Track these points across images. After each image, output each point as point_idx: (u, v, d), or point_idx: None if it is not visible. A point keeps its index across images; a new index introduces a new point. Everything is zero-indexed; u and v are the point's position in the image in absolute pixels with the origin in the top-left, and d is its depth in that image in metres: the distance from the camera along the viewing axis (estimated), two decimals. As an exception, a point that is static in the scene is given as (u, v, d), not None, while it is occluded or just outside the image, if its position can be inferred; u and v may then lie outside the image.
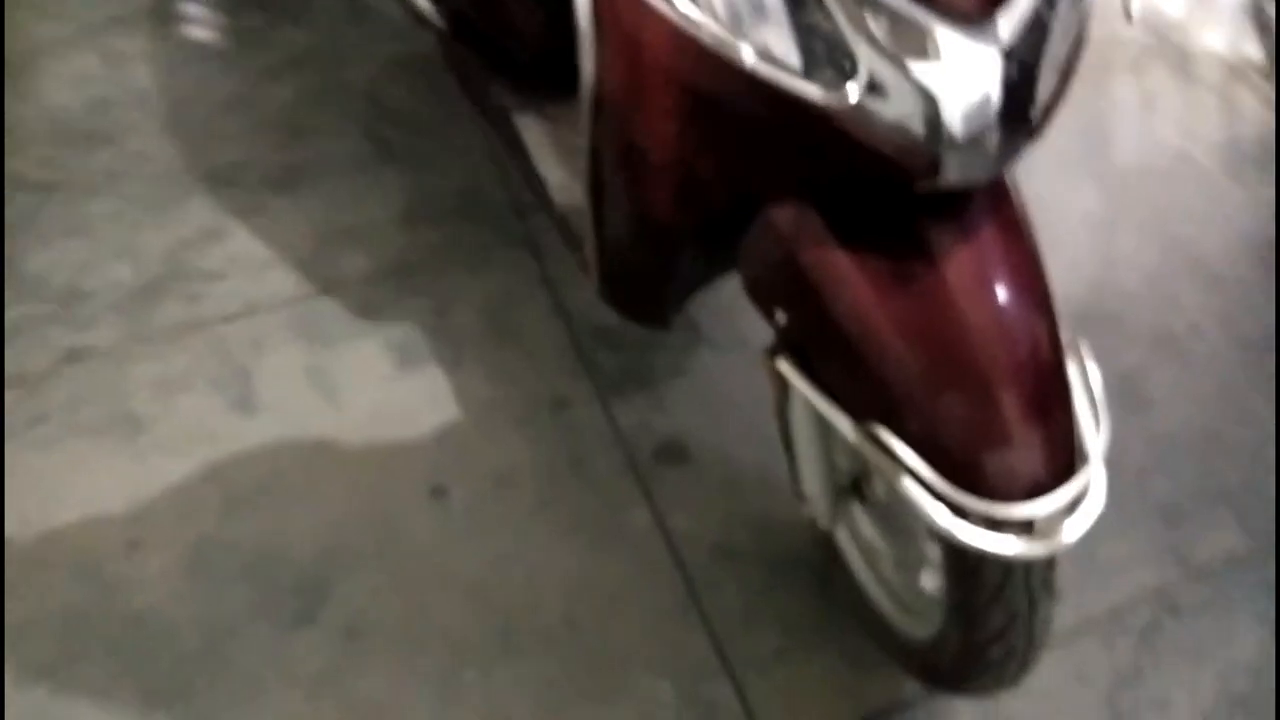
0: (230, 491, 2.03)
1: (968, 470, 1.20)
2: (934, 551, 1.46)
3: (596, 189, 1.54)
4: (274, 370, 2.19)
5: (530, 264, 2.37)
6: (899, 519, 1.59)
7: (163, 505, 2.00)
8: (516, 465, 2.07)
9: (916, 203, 1.22)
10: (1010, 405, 1.20)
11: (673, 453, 2.11)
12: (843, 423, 1.28)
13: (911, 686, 1.80)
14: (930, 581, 1.53)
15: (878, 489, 1.60)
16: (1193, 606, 1.92)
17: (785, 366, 1.35)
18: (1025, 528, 1.21)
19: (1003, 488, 1.19)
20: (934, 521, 1.21)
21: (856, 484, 1.63)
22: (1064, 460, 1.21)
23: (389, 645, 1.86)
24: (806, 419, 1.50)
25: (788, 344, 1.36)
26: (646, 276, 1.64)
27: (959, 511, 1.21)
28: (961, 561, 1.31)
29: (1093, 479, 1.21)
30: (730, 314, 2.30)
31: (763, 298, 1.39)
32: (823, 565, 1.91)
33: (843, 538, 1.76)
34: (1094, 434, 1.22)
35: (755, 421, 2.11)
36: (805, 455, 1.56)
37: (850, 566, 1.75)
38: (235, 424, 2.11)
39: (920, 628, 1.60)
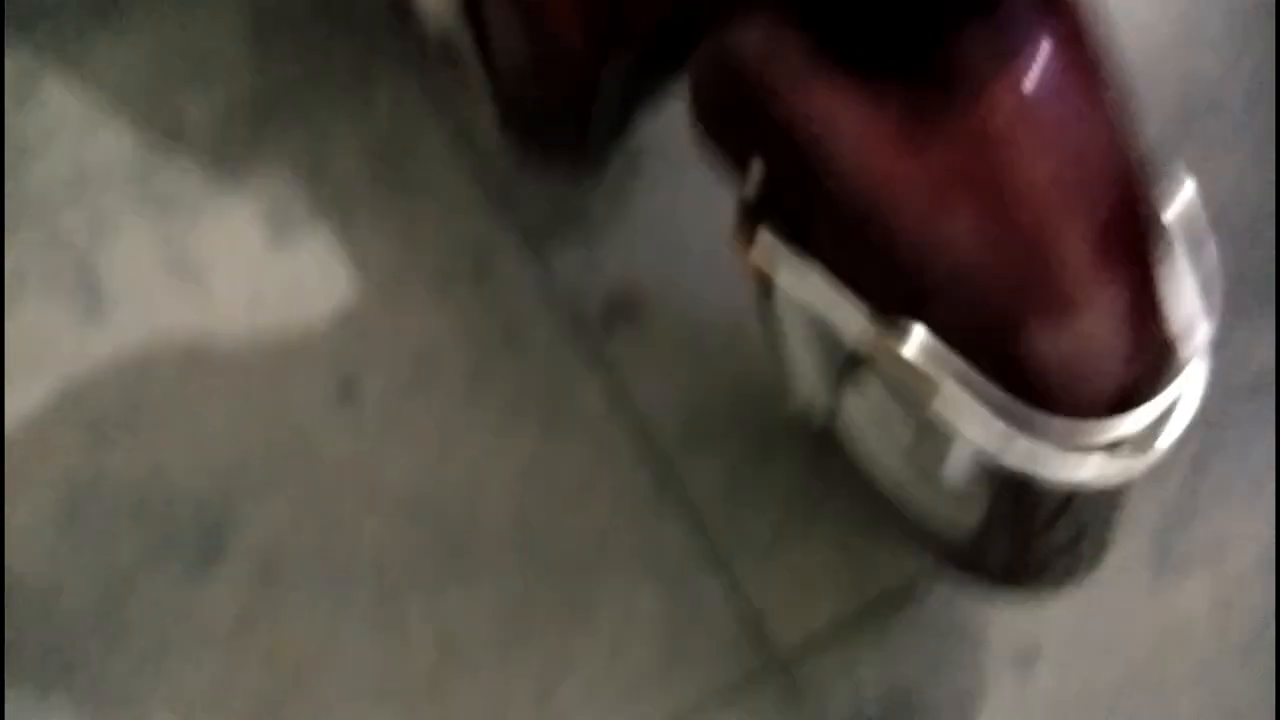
0: (95, 417, 1.67)
1: (1031, 376, 0.88)
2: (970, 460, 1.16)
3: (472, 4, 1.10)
4: (123, 258, 1.77)
5: (420, 87, 1.90)
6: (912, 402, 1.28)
7: (16, 446, 1.64)
8: (437, 344, 1.71)
9: (938, 8, 0.82)
10: (1087, 284, 0.86)
11: (624, 310, 1.75)
12: (852, 317, 0.94)
13: (931, 576, 1.55)
14: (958, 473, 1.23)
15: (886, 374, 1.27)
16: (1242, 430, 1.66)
17: (768, 241, 0.98)
18: (1107, 445, 0.89)
19: (1081, 398, 0.87)
20: (988, 447, 0.90)
21: (854, 361, 1.31)
22: (1158, 358, 0.88)
23: (312, 580, 1.58)
24: (797, 309, 1.15)
25: (766, 209, 0.99)
26: (555, 119, 1.23)
27: (1017, 428, 0.89)
28: (1016, 486, 1.00)
29: (1192, 377, 0.89)
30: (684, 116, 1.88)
31: (726, 145, 1.00)
32: (816, 443, 1.62)
33: (844, 427, 1.45)
34: (1197, 314, 0.89)
35: (720, 260, 1.76)
36: (796, 353, 1.23)
37: (854, 455, 1.45)
38: (86, 332, 1.72)
39: (950, 519, 1.32)
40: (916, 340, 0.90)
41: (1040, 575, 1.15)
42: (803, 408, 1.35)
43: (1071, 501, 1.03)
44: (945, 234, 0.86)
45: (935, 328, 0.89)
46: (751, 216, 1.01)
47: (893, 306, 0.91)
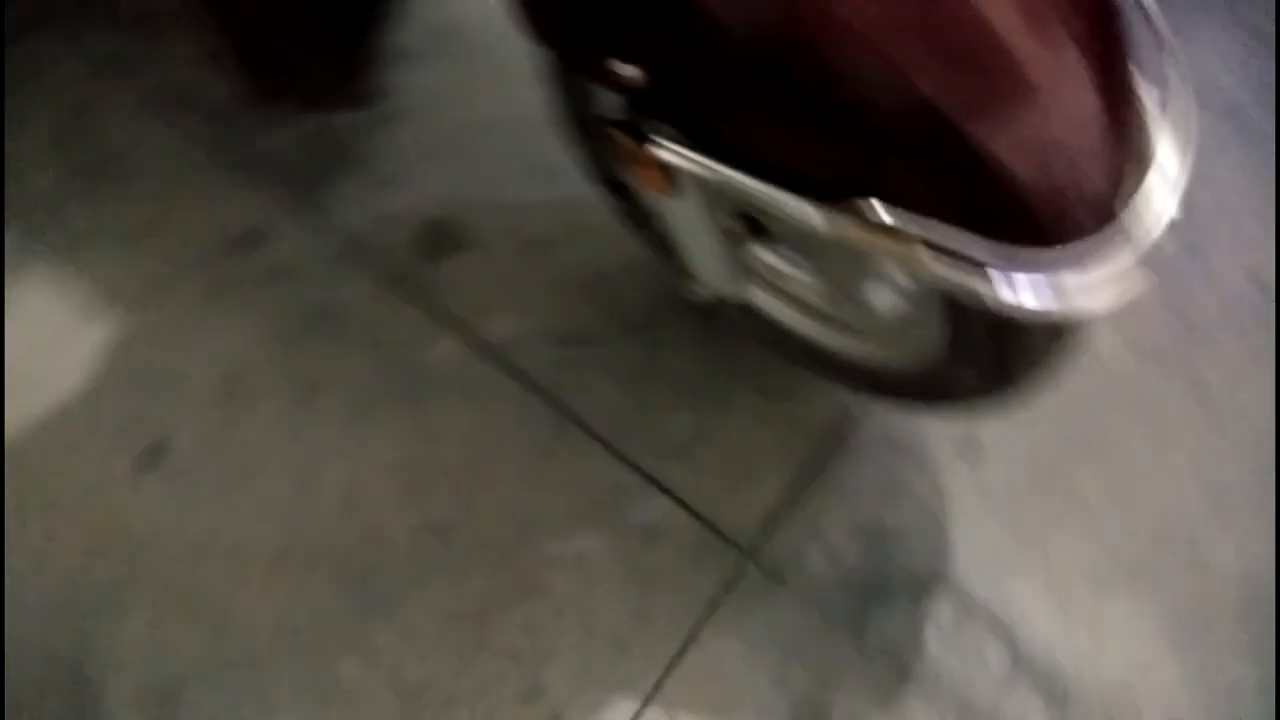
0: None
1: (1010, 197, 0.77)
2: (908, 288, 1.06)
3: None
4: None
5: (96, 38, 1.52)
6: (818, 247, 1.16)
7: None
8: (244, 358, 1.44)
9: None
10: (1043, 66, 0.75)
11: (443, 240, 1.52)
12: (810, 215, 0.79)
13: (853, 409, 1.49)
14: (883, 300, 1.14)
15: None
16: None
17: (672, 149, 0.81)
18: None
19: (1062, 225, 0.78)
20: (983, 296, 0.79)
21: (752, 224, 1.16)
22: (1131, 148, 0.79)
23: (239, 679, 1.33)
24: (694, 206, 0.99)
25: (654, 110, 0.81)
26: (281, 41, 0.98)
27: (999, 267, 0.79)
28: (990, 325, 0.91)
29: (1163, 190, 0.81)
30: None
31: (578, 53, 0.80)
32: (701, 324, 1.49)
33: (753, 299, 1.32)
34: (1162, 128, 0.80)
35: (522, 141, 1.55)
36: (694, 243, 1.07)
37: (769, 315, 1.33)
38: None
39: (886, 353, 1.23)
40: (880, 211, 0.78)
41: (1002, 393, 1.09)
42: (701, 291, 1.21)
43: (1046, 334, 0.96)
44: (896, 61, 0.72)
45: (895, 195, 0.77)
46: (634, 119, 0.83)
47: (843, 187, 0.77)
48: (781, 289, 1.31)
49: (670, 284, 1.53)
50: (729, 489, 1.45)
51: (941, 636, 1.43)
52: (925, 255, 0.81)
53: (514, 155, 1.57)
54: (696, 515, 1.43)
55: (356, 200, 1.53)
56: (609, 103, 0.90)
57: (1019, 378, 1.06)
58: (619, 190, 1.34)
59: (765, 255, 1.28)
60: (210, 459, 1.39)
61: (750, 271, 1.18)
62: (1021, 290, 0.82)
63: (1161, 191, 0.82)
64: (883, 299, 1.19)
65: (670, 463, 1.45)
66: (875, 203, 0.78)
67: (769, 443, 1.48)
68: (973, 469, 1.50)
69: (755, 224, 1.15)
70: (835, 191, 0.80)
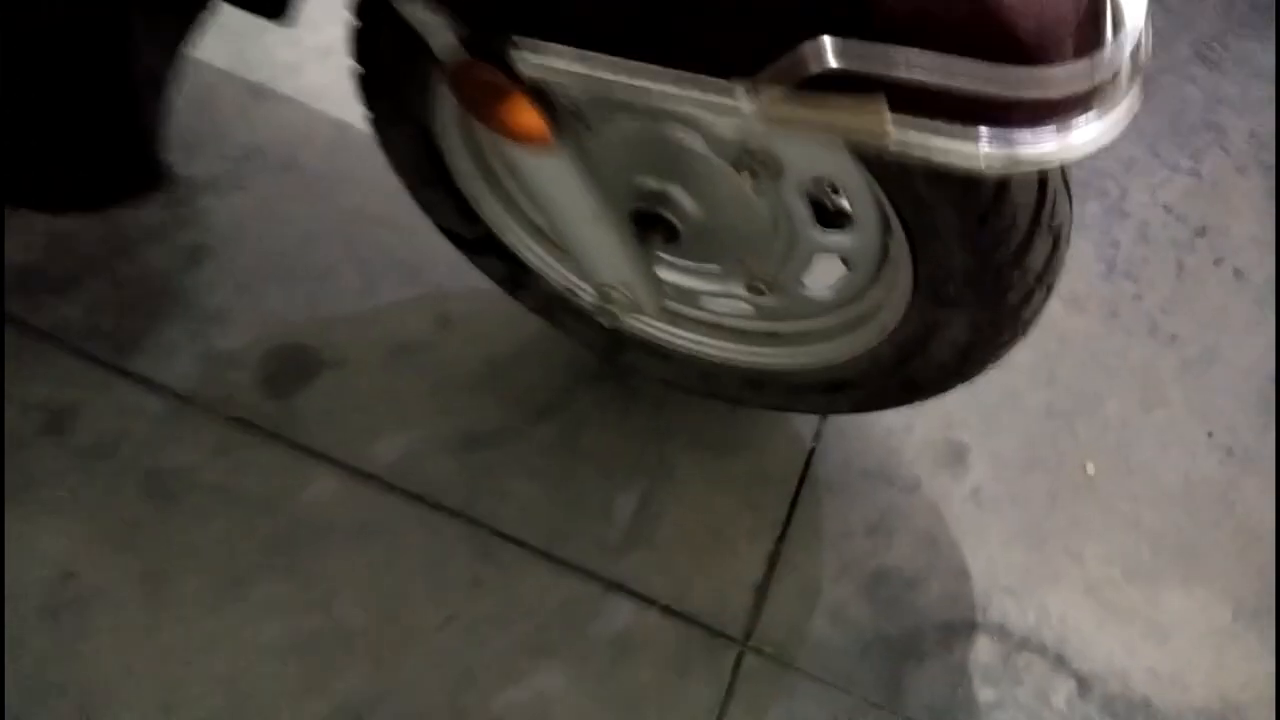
0: None
1: (993, 38, 0.61)
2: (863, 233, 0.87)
3: None
4: None
5: None
6: (731, 236, 0.97)
7: None
8: (70, 563, 1.13)
9: None
10: None
11: (293, 369, 1.27)
12: (734, 99, 0.61)
13: (810, 441, 1.28)
14: (821, 281, 0.95)
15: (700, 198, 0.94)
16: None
17: (544, 54, 0.61)
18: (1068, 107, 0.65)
19: (1044, 44, 0.62)
20: (973, 158, 0.62)
21: (656, 220, 0.97)
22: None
23: None
24: (578, 172, 0.79)
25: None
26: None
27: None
28: (968, 229, 0.73)
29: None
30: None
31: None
32: (614, 369, 1.27)
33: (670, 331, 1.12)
34: None
35: (359, 246, 1.35)
36: (590, 228, 0.86)
37: (690, 352, 1.12)
38: None
39: (841, 345, 1.04)
40: (829, 53, 0.59)
41: (1008, 323, 0.90)
42: (617, 308, 0.99)
43: (1032, 220, 0.78)
44: None
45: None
46: (489, 44, 0.63)
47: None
48: (698, 316, 1.11)
49: (570, 352, 1.31)
50: (699, 569, 1.20)
51: (991, 681, 1.18)
52: (890, 120, 0.63)
53: (353, 261, 1.36)
54: (670, 611, 1.17)
55: (181, 347, 1.27)
56: (443, 42, 0.70)
57: (1020, 300, 0.87)
58: (485, 240, 1.14)
59: (673, 277, 1.09)
60: (41, 706, 1.06)
61: (658, 295, 0.97)
62: (1020, 139, 0.65)
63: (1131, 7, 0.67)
64: (819, 281, 1.00)
65: (624, 556, 1.19)
66: (826, 42, 0.59)
67: (730, 505, 1.24)
68: (962, 480, 1.30)
69: (651, 220, 0.95)
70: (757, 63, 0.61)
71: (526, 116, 0.69)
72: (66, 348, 1.26)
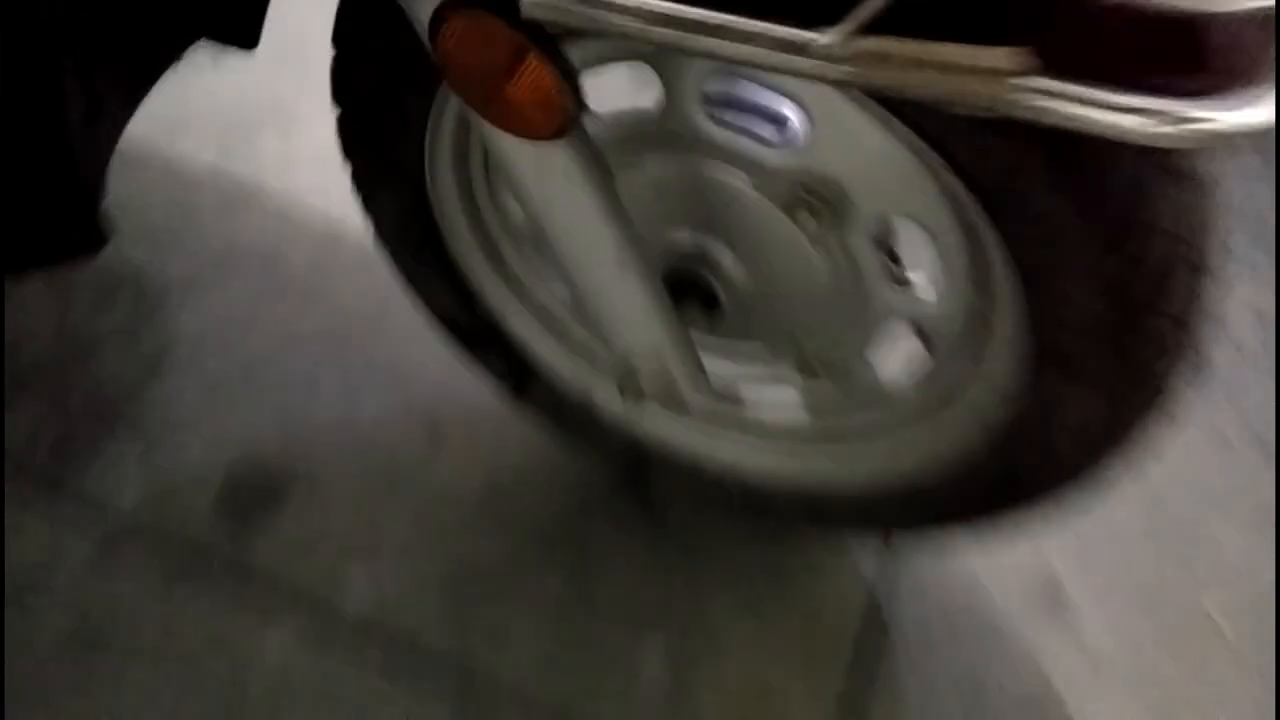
0: None
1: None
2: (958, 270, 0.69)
3: None
4: None
5: None
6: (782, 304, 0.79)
7: None
8: None
9: None
10: None
11: (255, 493, 1.07)
12: (813, 48, 0.44)
13: (875, 574, 1.06)
14: (893, 361, 0.76)
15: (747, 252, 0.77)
16: None
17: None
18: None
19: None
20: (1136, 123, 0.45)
21: (691, 286, 0.79)
22: None
23: None
24: (589, 176, 0.62)
25: None
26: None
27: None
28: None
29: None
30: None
31: None
32: (632, 475, 1.07)
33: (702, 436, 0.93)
34: None
35: (340, 353, 1.18)
36: (608, 274, 0.69)
37: (726, 463, 0.93)
38: None
39: (918, 440, 0.84)
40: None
41: (1157, 384, 0.70)
42: (627, 380, 0.79)
43: (1184, 219, 0.60)
44: None
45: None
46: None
47: None
48: (738, 414, 0.91)
49: (583, 470, 1.11)
50: (746, 735, 0.96)
51: None
52: (1021, 60, 0.46)
53: (334, 369, 1.18)
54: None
55: (130, 465, 1.08)
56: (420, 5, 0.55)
57: (1158, 355, 0.67)
58: (484, 329, 0.96)
59: (708, 362, 0.90)
60: None
61: (697, 370, 0.78)
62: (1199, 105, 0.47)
63: None
64: (890, 360, 0.81)
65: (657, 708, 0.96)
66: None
67: (781, 659, 1.01)
68: (1066, 625, 1.07)
69: (686, 285, 0.77)
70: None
71: (538, 79, 0.52)
72: (2, 462, 1.08)
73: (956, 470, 0.82)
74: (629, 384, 0.75)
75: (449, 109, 0.77)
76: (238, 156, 1.41)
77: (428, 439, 1.13)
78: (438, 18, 0.52)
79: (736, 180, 0.73)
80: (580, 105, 0.54)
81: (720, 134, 0.71)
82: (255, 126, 1.45)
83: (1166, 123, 0.47)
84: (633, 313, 0.70)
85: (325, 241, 1.32)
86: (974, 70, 0.46)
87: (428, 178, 0.84)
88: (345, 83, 0.81)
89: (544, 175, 0.61)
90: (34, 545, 1.03)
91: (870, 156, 0.66)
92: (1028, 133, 0.56)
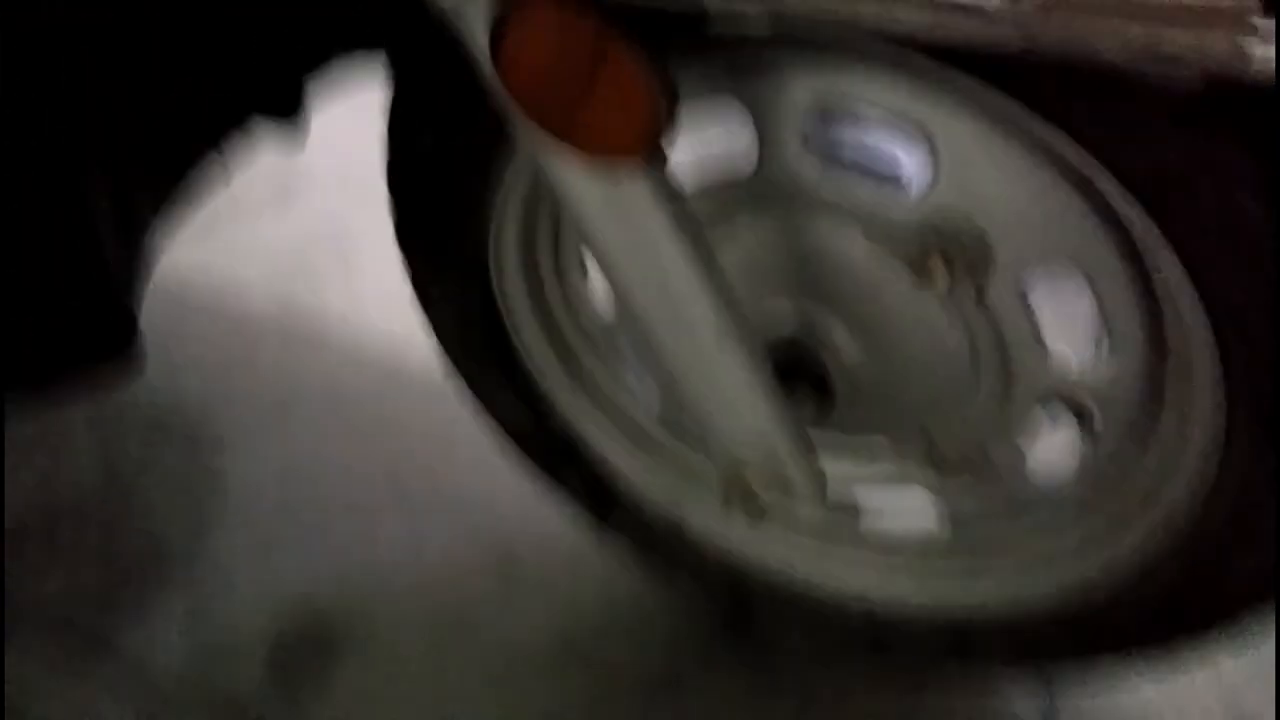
0: None
1: None
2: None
3: None
4: None
5: None
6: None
7: None
8: None
9: None
10: None
11: (309, 652, 0.95)
12: None
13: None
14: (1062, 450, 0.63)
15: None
16: None
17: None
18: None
19: None
20: None
21: (797, 373, 0.68)
22: None
23: None
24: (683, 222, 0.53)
25: None
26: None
27: None
28: None
29: None
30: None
31: None
32: (736, 617, 0.93)
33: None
34: None
35: (403, 498, 1.08)
36: (706, 356, 0.59)
37: (845, 598, 0.79)
38: None
39: (1080, 568, 0.69)
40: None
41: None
42: (734, 488, 0.66)
43: None
44: None
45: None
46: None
47: None
48: (858, 534, 0.78)
49: (677, 617, 0.96)
50: None
51: None
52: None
53: (397, 509, 1.08)
54: None
55: (172, 624, 0.97)
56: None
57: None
58: (559, 444, 0.85)
59: (832, 465, 0.77)
60: None
61: (815, 472, 0.66)
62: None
63: None
64: (1048, 453, 0.68)
65: None
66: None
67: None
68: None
69: (791, 372, 0.66)
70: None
71: (625, 72, 0.42)
72: (34, 621, 0.98)
73: (1134, 584, 0.67)
74: (735, 488, 0.63)
75: (514, 190, 0.69)
76: (301, 291, 1.36)
77: (499, 578, 1.01)
78: (499, 26, 0.44)
79: (849, 237, 0.62)
80: (673, 107, 0.45)
81: (828, 181, 0.61)
82: (319, 261, 1.41)
83: None
84: (735, 394, 0.59)
85: (388, 376, 1.24)
86: (1184, 11, 0.36)
87: (492, 272, 0.75)
88: (401, 175, 0.74)
89: (624, 216, 0.52)
90: (70, 712, 0.91)
91: (1012, 189, 0.56)
92: (1226, 121, 0.46)
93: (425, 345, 0.86)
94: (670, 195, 0.53)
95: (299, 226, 1.47)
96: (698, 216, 0.57)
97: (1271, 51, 0.36)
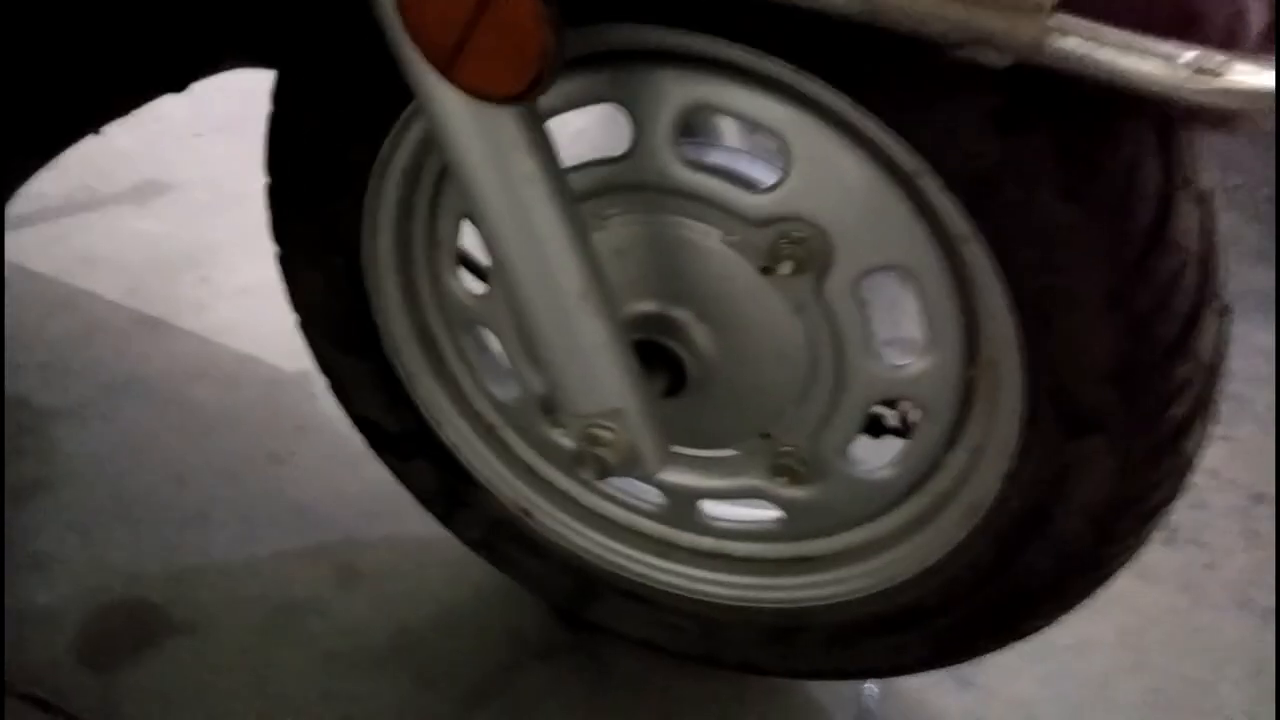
0: None
1: None
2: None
3: None
4: None
5: None
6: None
7: None
8: None
9: None
10: None
11: (129, 633, 0.91)
12: None
13: None
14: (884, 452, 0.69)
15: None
16: None
17: None
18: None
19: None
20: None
21: (655, 355, 0.71)
22: None
23: None
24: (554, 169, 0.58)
25: None
26: None
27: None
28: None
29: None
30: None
31: None
32: (576, 612, 0.94)
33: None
34: None
35: (246, 490, 1.06)
36: (568, 313, 0.62)
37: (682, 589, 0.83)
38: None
39: (900, 563, 0.75)
40: None
41: (1180, 453, 0.63)
42: (587, 444, 0.68)
43: (1213, 244, 0.56)
44: None
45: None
46: None
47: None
48: (700, 543, 0.82)
49: (515, 615, 0.97)
50: None
51: None
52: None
53: (233, 503, 1.05)
54: None
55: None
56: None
57: (1184, 417, 0.61)
58: (414, 436, 0.85)
59: (673, 476, 0.80)
60: None
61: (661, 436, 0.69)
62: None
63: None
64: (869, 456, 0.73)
65: None
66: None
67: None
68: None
69: (650, 353, 0.70)
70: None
71: (522, 20, 0.46)
72: None
73: (954, 581, 0.73)
74: (589, 447, 0.66)
75: (397, 157, 0.71)
76: (151, 296, 1.32)
77: (337, 581, 0.99)
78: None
79: (704, 230, 0.67)
80: (560, 49, 0.48)
81: (694, 178, 0.66)
82: (173, 269, 1.37)
83: (1205, 72, 0.44)
84: (593, 351, 0.62)
85: (232, 379, 1.21)
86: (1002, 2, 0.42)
87: (364, 253, 0.77)
88: (282, 143, 0.75)
89: (502, 157, 0.55)
90: None
91: (852, 192, 0.62)
92: (1036, 126, 0.53)
93: (273, 348, 0.85)
94: (543, 140, 0.56)
95: (158, 223, 1.44)
96: (573, 196, 0.60)
97: (1070, 44, 0.43)
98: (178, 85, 0.78)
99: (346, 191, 0.74)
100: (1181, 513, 1.27)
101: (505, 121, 0.55)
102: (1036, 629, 0.74)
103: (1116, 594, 0.74)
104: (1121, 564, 0.68)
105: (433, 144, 0.70)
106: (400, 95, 0.66)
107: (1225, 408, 1.43)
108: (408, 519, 1.03)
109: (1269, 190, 1.79)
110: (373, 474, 1.00)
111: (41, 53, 0.69)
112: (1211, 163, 0.57)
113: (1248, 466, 1.37)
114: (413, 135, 0.70)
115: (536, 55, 0.48)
